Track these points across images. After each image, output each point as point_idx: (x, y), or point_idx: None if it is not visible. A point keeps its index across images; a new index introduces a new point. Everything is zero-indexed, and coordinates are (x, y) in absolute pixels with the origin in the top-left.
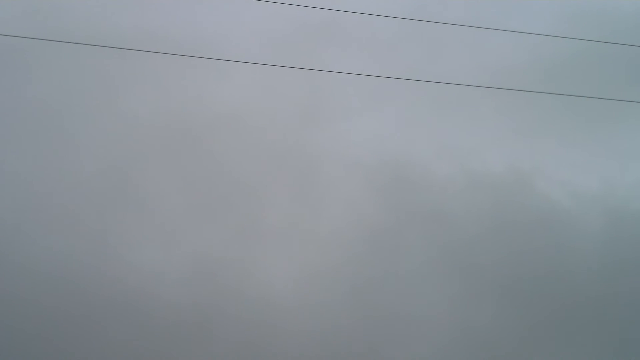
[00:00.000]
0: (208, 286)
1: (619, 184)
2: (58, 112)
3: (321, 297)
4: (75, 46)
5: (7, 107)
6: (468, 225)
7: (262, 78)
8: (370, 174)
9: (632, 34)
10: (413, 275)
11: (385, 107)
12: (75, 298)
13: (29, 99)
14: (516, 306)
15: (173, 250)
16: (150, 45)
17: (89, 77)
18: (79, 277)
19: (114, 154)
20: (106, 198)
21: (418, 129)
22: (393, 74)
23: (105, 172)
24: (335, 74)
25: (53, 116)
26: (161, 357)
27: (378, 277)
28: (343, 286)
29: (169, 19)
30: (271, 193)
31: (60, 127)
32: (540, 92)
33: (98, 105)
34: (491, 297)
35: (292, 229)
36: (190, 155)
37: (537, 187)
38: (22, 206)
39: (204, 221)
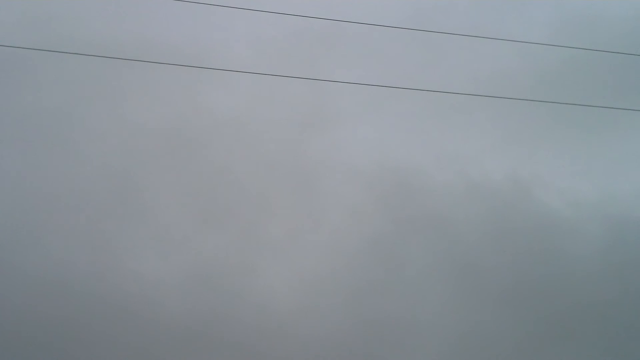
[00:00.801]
0: (209, 293)
1: (618, 192)
2: (60, 121)
3: (322, 304)
4: (77, 57)
5: (10, 117)
6: (468, 233)
7: (263, 87)
8: (370, 181)
9: (632, 42)
10: (413, 281)
11: (385, 116)
12: (77, 305)
13: (32, 109)
14: (516, 313)
15: (174, 257)
16: (152, 55)
17: (90, 87)
18: (81, 284)
19: (116, 162)
20: (108, 206)
21: (418, 137)
22: (392, 83)
23: (106, 180)
24: (335, 82)
25: (55, 126)
26: None
27: (378, 283)
28: (344, 293)
29: (170, 29)
30: (272, 201)
31: (62, 137)
32: (540, 101)
33: (100, 115)
34: (491, 303)
35: (293, 236)
36: (191, 164)
37: (537, 194)
38: (23, 213)
39: (205, 229)
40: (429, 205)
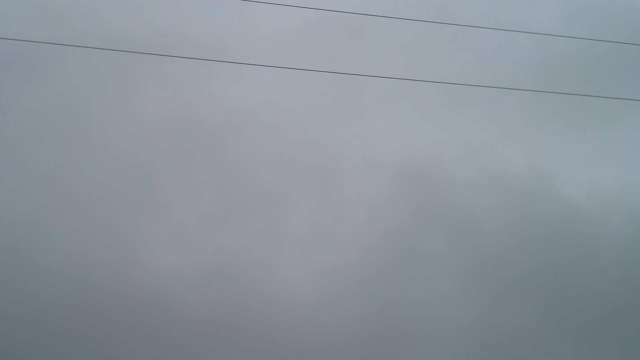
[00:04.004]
0: (226, 289)
1: (639, 183)
2: (73, 116)
3: (342, 299)
4: (89, 50)
5: (22, 111)
6: (488, 225)
7: (282, 81)
8: (390, 175)
9: None
10: (434, 274)
11: (404, 109)
12: (93, 301)
13: (44, 103)
14: (537, 306)
15: (191, 253)
16: (170, 49)
17: (103, 80)
18: (97, 280)
19: (131, 157)
20: (123, 201)
21: (438, 130)
22: (412, 75)
23: (121, 175)
24: (354, 76)
25: (68, 120)
26: None
27: (399, 277)
28: (364, 287)
29: (187, 22)
30: (291, 195)
31: (75, 131)
32: (559, 93)
33: (113, 109)
34: (511, 297)
35: (312, 231)
36: (208, 159)
37: (558, 186)
38: (37, 210)
39: (223, 224)
40: (450, 198)
